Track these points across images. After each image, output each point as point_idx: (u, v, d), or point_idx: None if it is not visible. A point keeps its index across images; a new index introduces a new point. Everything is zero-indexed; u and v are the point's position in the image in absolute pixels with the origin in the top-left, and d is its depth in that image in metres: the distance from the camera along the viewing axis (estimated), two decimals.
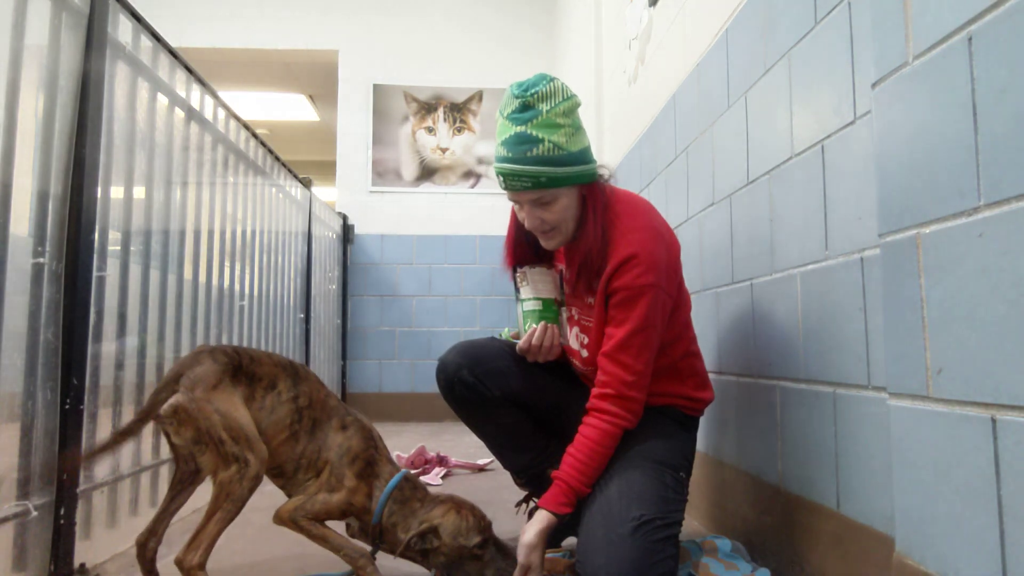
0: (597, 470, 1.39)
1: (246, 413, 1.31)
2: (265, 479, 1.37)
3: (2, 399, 1.34)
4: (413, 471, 2.32)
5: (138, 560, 1.36)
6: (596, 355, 1.45)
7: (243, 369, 1.36)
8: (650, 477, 1.36)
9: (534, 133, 1.33)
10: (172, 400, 1.26)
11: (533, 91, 1.35)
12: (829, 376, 1.29)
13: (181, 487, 1.39)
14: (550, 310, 1.53)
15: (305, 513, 1.35)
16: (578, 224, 1.45)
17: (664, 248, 1.41)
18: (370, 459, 1.41)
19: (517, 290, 1.56)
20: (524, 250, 1.59)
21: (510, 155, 1.35)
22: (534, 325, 1.52)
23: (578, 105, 1.41)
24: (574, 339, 1.55)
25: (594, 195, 1.43)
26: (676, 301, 1.48)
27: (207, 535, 1.25)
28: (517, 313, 1.56)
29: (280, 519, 1.36)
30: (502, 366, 1.57)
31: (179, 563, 1.25)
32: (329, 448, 1.39)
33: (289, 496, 1.41)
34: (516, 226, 1.57)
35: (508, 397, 1.57)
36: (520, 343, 1.54)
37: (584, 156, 1.40)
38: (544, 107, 1.34)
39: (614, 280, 1.39)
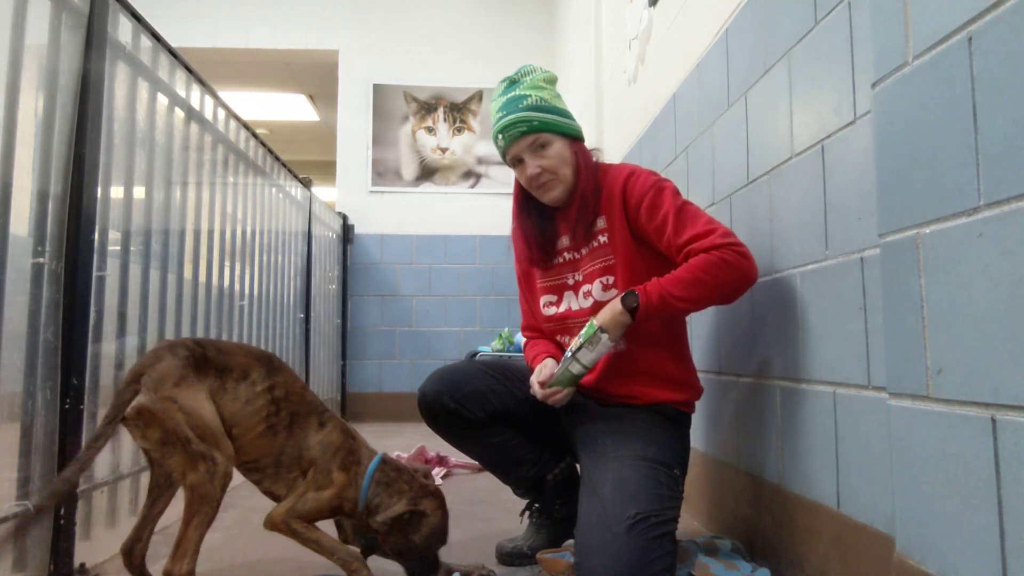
0: (689, 279, 1.36)
1: (212, 409, 1.28)
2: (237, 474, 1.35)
3: (2, 399, 1.34)
4: None
5: (126, 568, 1.34)
6: (625, 283, 1.49)
7: (209, 361, 1.31)
8: (644, 476, 1.37)
9: (523, 92, 1.54)
10: (135, 402, 1.21)
11: (517, 73, 1.60)
12: (829, 376, 1.29)
13: (159, 492, 1.37)
14: (585, 371, 1.46)
15: (297, 514, 1.33)
16: (575, 176, 1.56)
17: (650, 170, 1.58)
18: (350, 448, 1.40)
19: (580, 347, 1.42)
20: (528, 226, 1.63)
21: (505, 112, 1.53)
22: (563, 385, 1.46)
23: (555, 79, 1.62)
24: (599, 291, 1.55)
25: (584, 149, 1.60)
26: None
27: (190, 542, 1.23)
28: (565, 362, 1.44)
29: (272, 523, 1.33)
30: (481, 387, 1.58)
31: (167, 574, 1.22)
32: (310, 447, 1.37)
33: (265, 492, 1.40)
34: (519, 205, 1.65)
35: (492, 416, 1.58)
36: (542, 391, 1.48)
37: (568, 115, 1.58)
38: (528, 78, 1.57)
39: (628, 196, 1.51)
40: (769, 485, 1.53)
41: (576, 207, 1.55)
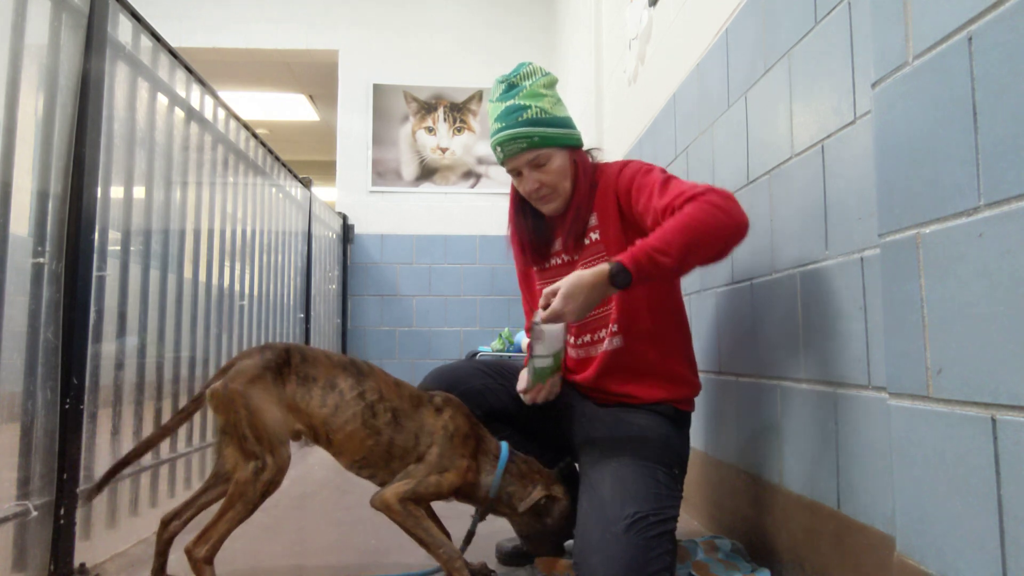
0: (675, 234, 1.24)
1: (277, 414, 1.31)
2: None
3: (2, 399, 1.34)
4: None
5: (156, 538, 1.39)
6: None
7: (292, 368, 1.36)
8: (642, 475, 1.37)
9: (522, 103, 1.49)
10: (213, 386, 1.31)
11: (516, 74, 1.53)
12: (829, 376, 1.29)
13: (216, 480, 1.41)
14: (557, 361, 1.48)
15: (416, 496, 1.34)
16: (573, 185, 1.55)
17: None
18: (479, 436, 1.44)
19: (532, 347, 1.44)
20: (524, 231, 1.63)
21: (504, 124, 1.49)
22: (541, 383, 1.48)
23: (555, 81, 1.56)
24: None
25: (583, 158, 1.58)
26: None
27: (216, 531, 1.27)
28: (528, 366, 1.45)
29: (384, 502, 1.33)
30: (478, 385, 1.58)
31: (188, 553, 1.27)
32: (430, 432, 1.39)
33: (381, 485, 1.40)
34: (515, 208, 1.64)
35: (490, 415, 1.58)
36: (526, 398, 1.51)
37: (568, 123, 1.54)
38: (527, 83, 1.51)
39: (620, 184, 1.49)
40: (769, 485, 1.53)
41: (571, 217, 1.55)
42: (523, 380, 1.52)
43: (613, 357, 1.53)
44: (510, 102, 1.50)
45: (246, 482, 1.28)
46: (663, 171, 1.46)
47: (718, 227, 1.24)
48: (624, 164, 1.54)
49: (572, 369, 1.63)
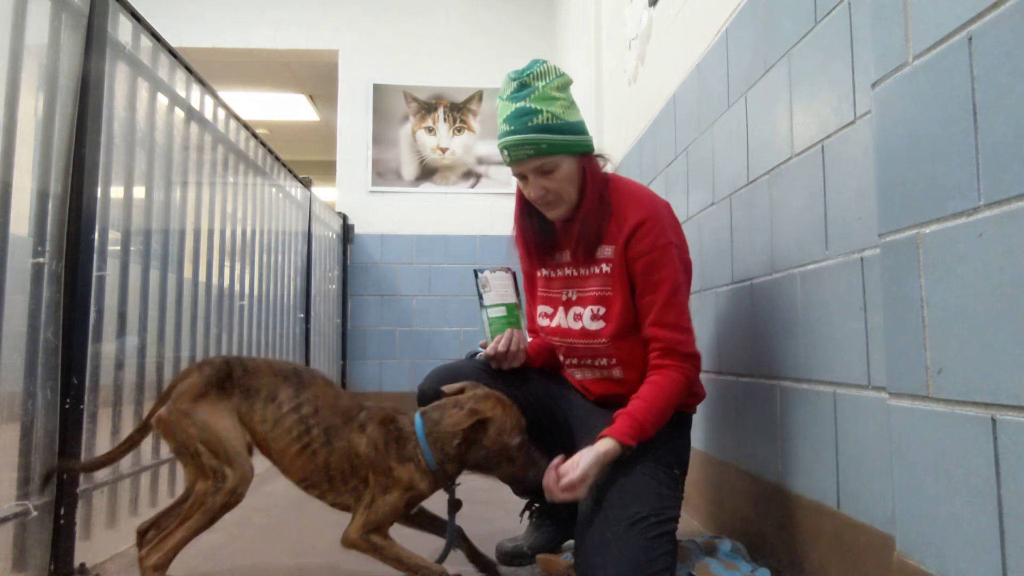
0: (662, 412, 1.38)
1: (230, 426, 1.29)
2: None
3: (2, 399, 1.34)
4: None
5: (137, 548, 1.37)
6: (617, 324, 1.47)
7: (235, 381, 1.32)
8: (644, 476, 1.37)
9: (533, 106, 1.42)
10: (158, 413, 1.29)
11: (528, 72, 1.45)
12: (829, 376, 1.29)
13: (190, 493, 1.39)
14: (513, 314, 1.53)
15: (374, 526, 1.30)
16: (580, 193, 1.50)
17: (669, 213, 1.52)
18: (397, 436, 1.35)
19: (480, 296, 1.53)
20: (529, 232, 1.61)
21: (512, 128, 1.43)
22: (500, 333, 1.53)
23: (570, 82, 1.50)
24: (589, 318, 1.53)
25: (592, 165, 1.52)
26: (688, 265, 1.55)
27: (172, 539, 1.26)
28: (482, 320, 1.52)
29: (351, 542, 1.31)
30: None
31: (140, 560, 1.26)
32: (359, 455, 1.33)
33: (332, 505, 1.38)
34: (521, 209, 1.60)
35: None
36: (487, 350, 1.54)
37: (580, 128, 1.49)
38: (540, 84, 1.44)
39: (632, 246, 1.45)
40: (769, 485, 1.53)
41: (578, 226, 1.49)
42: (489, 346, 1.56)
43: (620, 387, 1.53)
44: (520, 104, 1.42)
45: (205, 494, 1.26)
46: (680, 262, 1.47)
47: (683, 400, 1.46)
48: (646, 218, 1.45)
49: (592, 347, 1.61)
